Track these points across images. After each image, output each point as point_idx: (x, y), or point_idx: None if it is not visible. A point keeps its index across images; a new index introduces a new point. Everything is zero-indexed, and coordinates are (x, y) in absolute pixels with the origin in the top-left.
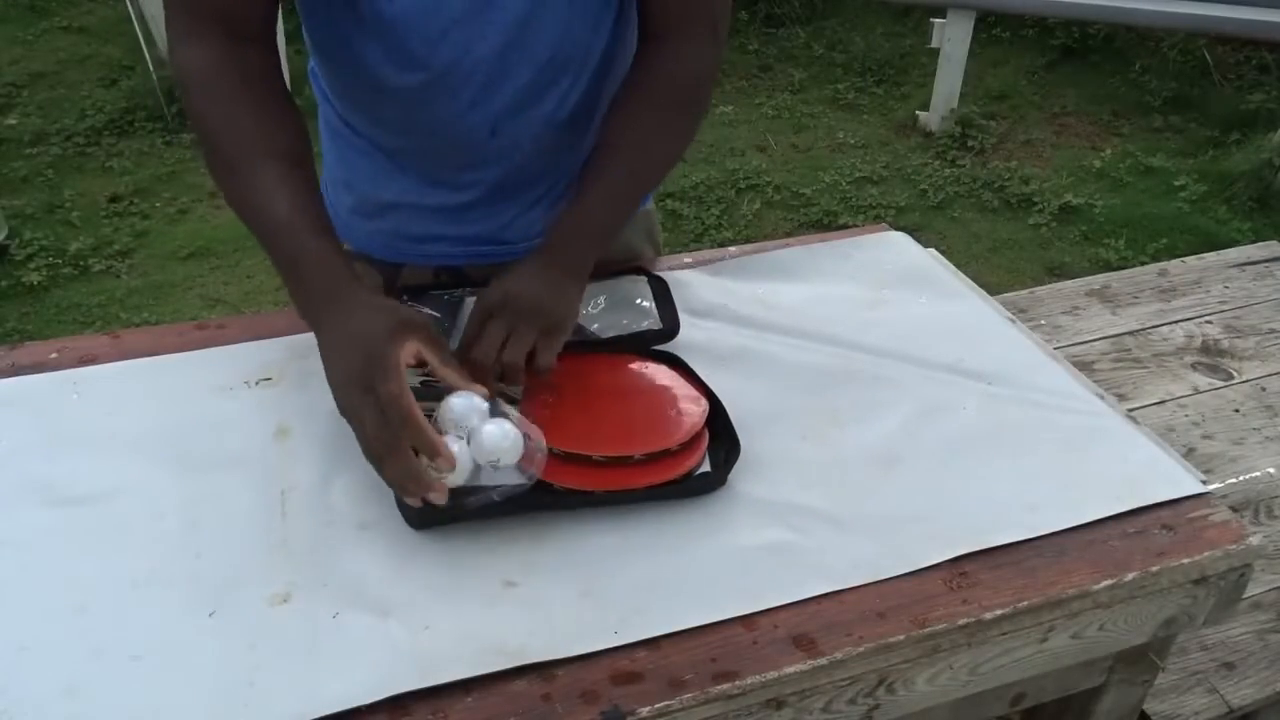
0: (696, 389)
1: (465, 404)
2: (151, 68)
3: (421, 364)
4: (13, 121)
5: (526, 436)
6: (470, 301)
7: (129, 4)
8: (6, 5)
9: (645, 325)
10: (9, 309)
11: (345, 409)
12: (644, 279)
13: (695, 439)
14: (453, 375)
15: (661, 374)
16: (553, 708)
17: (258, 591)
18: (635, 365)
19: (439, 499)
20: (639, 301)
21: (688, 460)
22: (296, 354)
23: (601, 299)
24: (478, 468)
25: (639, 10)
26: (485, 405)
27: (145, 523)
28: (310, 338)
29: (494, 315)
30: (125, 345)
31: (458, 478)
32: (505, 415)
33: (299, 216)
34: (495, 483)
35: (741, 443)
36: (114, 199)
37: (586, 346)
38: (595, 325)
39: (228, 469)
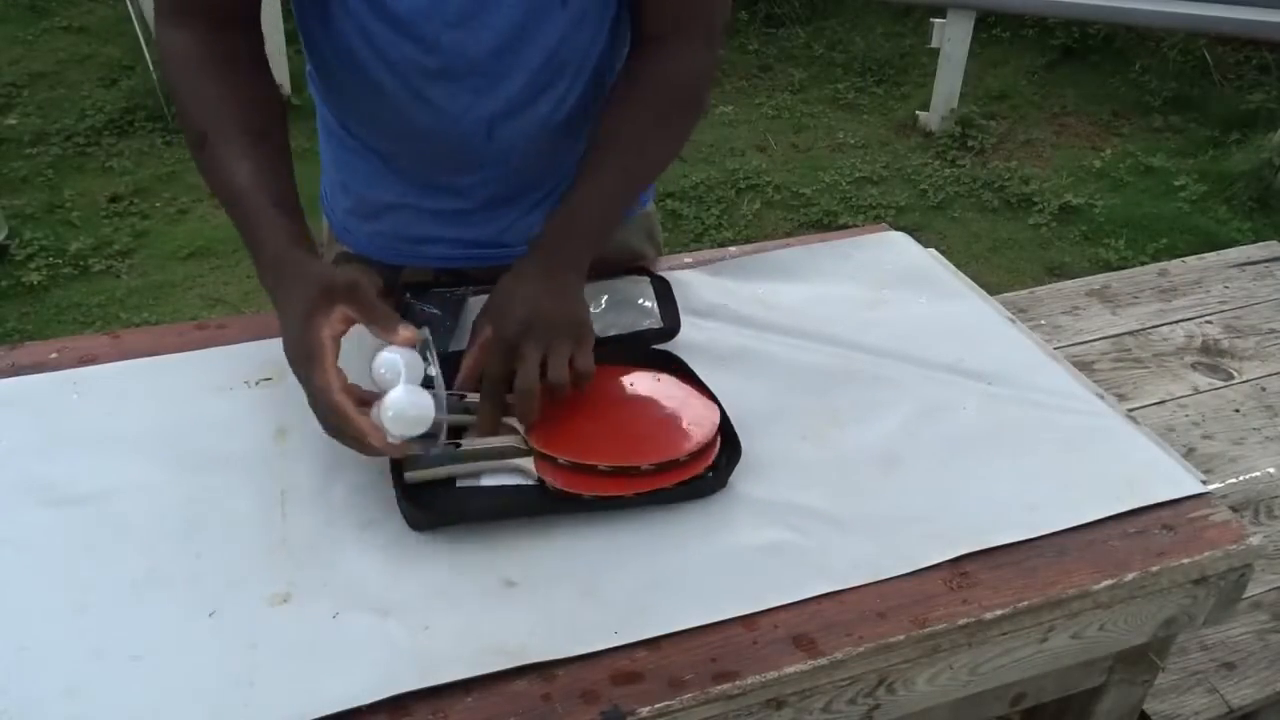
0: (705, 396)
1: (391, 359)
2: (151, 68)
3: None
4: (13, 121)
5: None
6: (474, 301)
7: (129, 4)
8: (6, 5)
9: (646, 324)
10: (9, 309)
11: (296, 376)
12: (646, 279)
13: (704, 449)
14: (378, 325)
15: (670, 382)
16: (553, 708)
17: (258, 591)
18: (644, 374)
19: (395, 453)
20: (641, 301)
21: (694, 469)
22: None
23: (604, 299)
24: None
25: (634, 11)
26: (420, 367)
27: (145, 523)
28: None
29: (522, 340)
30: (125, 345)
31: (415, 428)
32: (430, 377)
33: (257, 188)
34: (498, 483)
35: (742, 443)
36: (114, 199)
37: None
38: (596, 326)
39: (228, 469)
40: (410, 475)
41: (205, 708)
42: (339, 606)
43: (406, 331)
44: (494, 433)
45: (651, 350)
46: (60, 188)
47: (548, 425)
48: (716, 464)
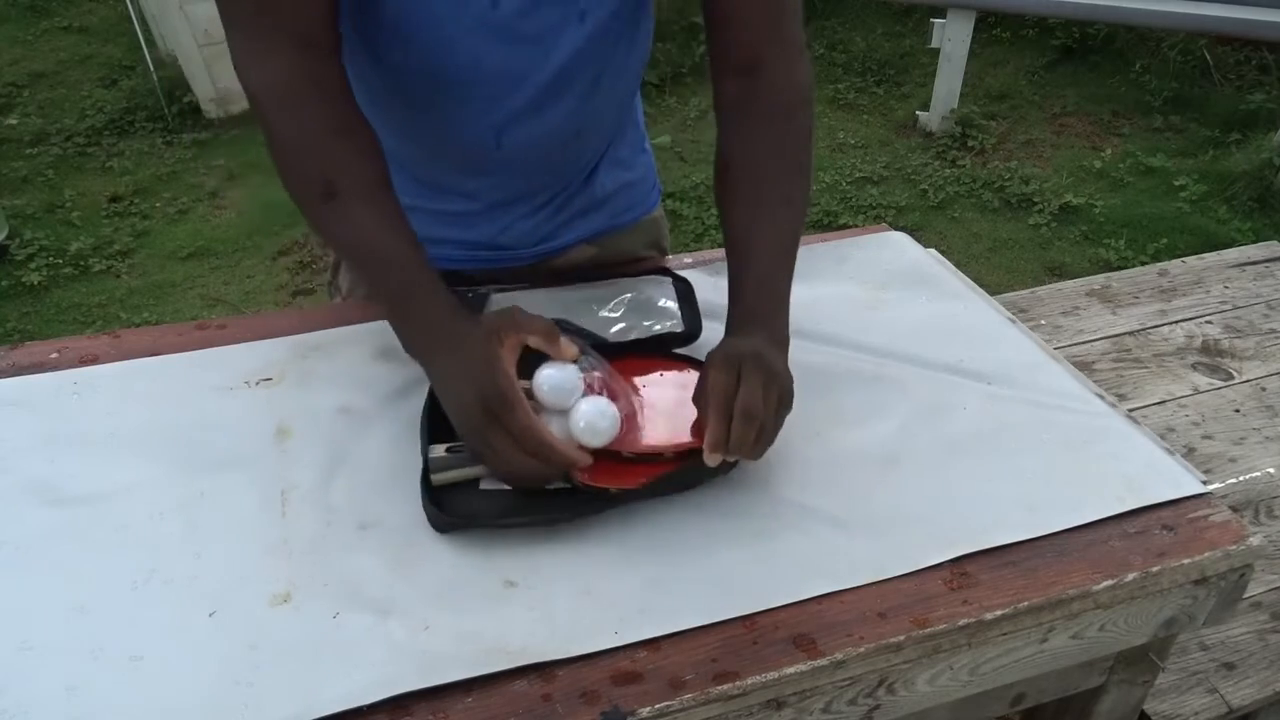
0: None
1: (561, 377)
2: (151, 68)
3: (530, 350)
4: (13, 121)
5: (621, 413)
6: (497, 298)
7: (129, 4)
8: (6, 5)
9: (668, 326)
10: (9, 309)
11: (469, 437)
12: (669, 279)
13: None
14: (556, 348)
15: (694, 374)
16: (553, 708)
17: (258, 591)
18: (672, 368)
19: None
20: (662, 303)
21: None
22: (296, 354)
23: (626, 298)
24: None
25: (718, 41)
26: (579, 376)
27: (145, 523)
28: (311, 337)
29: (743, 371)
30: (125, 345)
31: (605, 438)
32: (593, 387)
33: (400, 249)
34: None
35: None
36: (114, 199)
37: (609, 350)
38: (619, 327)
39: (228, 469)
40: (437, 477)
41: (205, 708)
42: (339, 606)
43: (570, 348)
44: (722, 451)
45: (673, 354)
46: (60, 188)
47: None
48: None
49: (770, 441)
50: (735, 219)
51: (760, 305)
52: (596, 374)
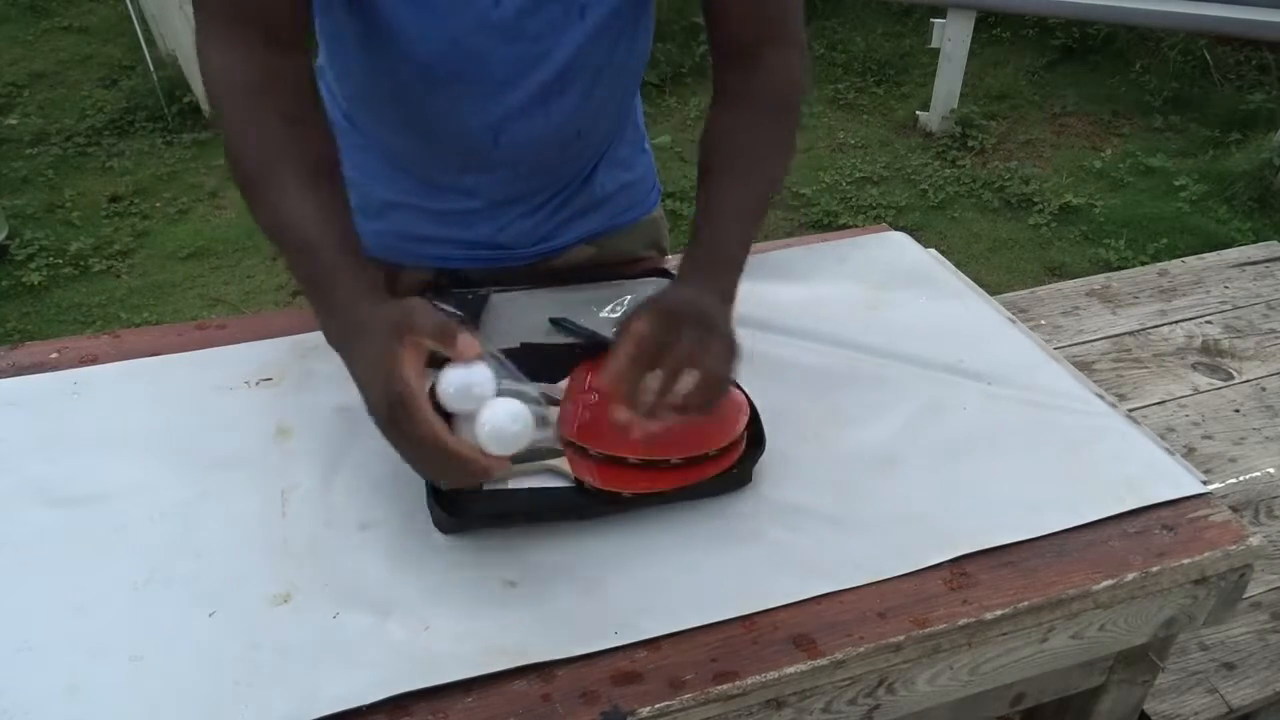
0: (735, 392)
1: (465, 378)
2: (151, 68)
3: (437, 358)
4: (13, 121)
5: (542, 417)
6: (496, 299)
7: (129, 4)
8: (6, 5)
9: None
10: (9, 309)
11: (382, 434)
12: (667, 282)
13: (734, 443)
14: (456, 350)
15: None
16: (553, 708)
17: (258, 591)
18: None
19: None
20: None
21: (724, 463)
22: (296, 354)
23: (626, 300)
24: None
25: (718, 27)
26: (490, 377)
27: (145, 523)
28: (311, 337)
29: (685, 323)
30: (126, 345)
31: (517, 444)
32: (514, 389)
33: (321, 234)
34: (525, 485)
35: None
36: (114, 199)
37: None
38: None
39: (228, 469)
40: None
41: (205, 708)
42: (339, 606)
43: (471, 346)
44: (628, 392)
45: None
46: (60, 188)
47: (583, 416)
48: (743, 458)
49: (720, 393)
50: (708, 184)
51: (712, 260)
52: (505, 381)
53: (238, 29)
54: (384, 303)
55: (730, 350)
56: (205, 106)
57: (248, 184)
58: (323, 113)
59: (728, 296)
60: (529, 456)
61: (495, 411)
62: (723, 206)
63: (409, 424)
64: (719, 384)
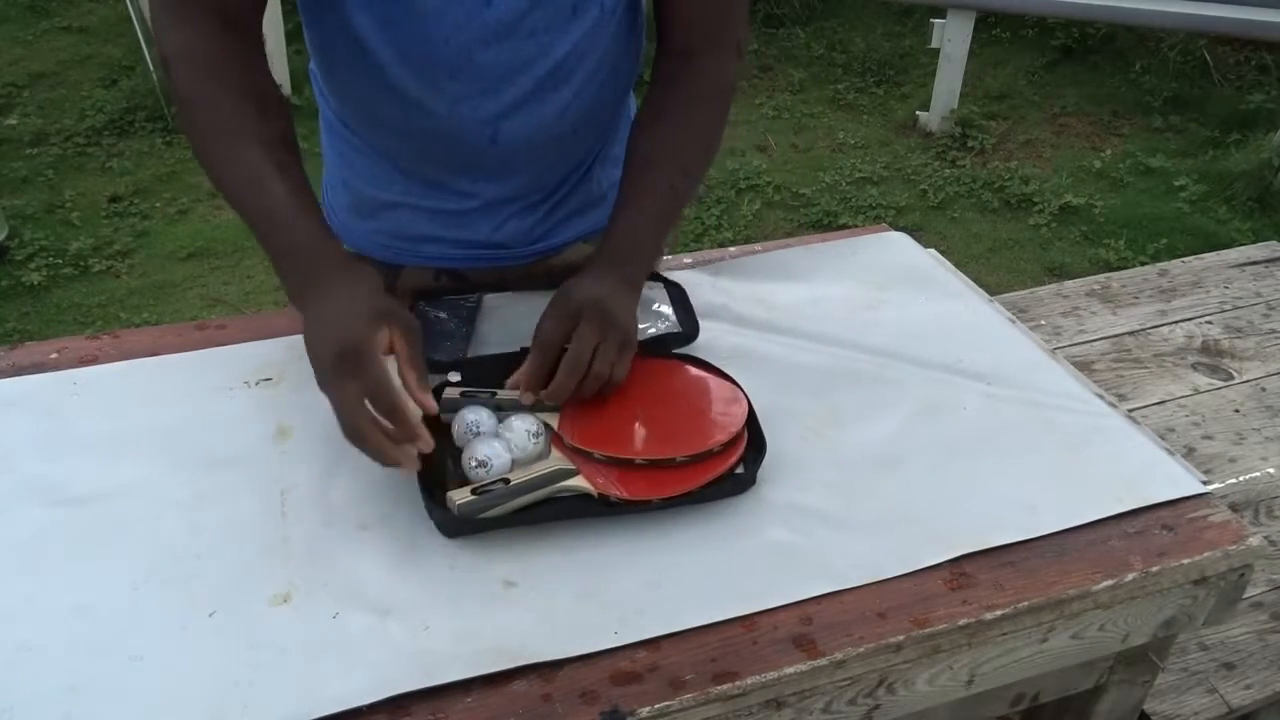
0: (732, 391)
1: (475, 416)
2: (151, 68)
3: (391, 352)
4: (13, 121)
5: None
6: (490, 301)
7: (129, 4)
8: (6, 5)
9: (665, 329)
10: (9, 309)
11: (325, 386)
12: (660, 284)
13: (735, 439)
14: (414, 376)
15: (698, 374)
16: (553, 708)
17: (258, 591)
18: (673, 367)
19: (412, 466)
20: (656, 306)
21: (729, 459)
22: (296, 354)
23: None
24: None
25: (662, 24)
26: (492, 418)
27: (145, 523)
28: None
29: (582, 319)
30: (125, 345)
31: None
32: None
33: (285, 201)
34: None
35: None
36: (114, 199)
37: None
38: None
39: (228, 469)
40: (465, 512)
41: (205, 708)
42: (339, 606)
43: (429, 400)
44: (535, 392)
45: (672, 354)
46: (60, 188)
47: (584, 420)
48: (745, 458)
49: (603, 384)
50: (627, 172)
51: (620, 249)
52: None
53: (195, 10)
54: (360, 280)
55: (624, 343)
56: (156, 75)
57: (207, 154)
58: (275, 85)
59: (633, 282)
60: (542, 483)
61: (482, 447)
62: (637, 194)
63: (368, 367)
64: (609, 380)
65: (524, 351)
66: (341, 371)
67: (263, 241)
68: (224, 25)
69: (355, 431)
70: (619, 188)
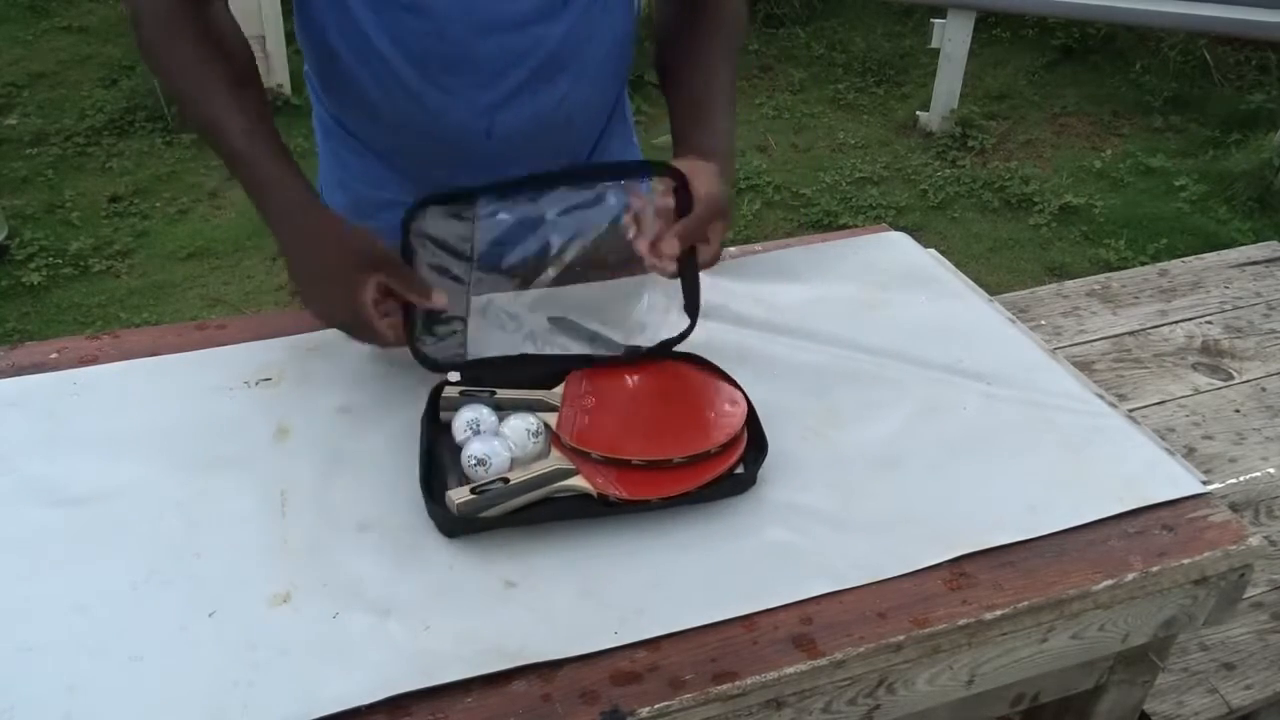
0: (733, 388)
1: (475, 414)
2: None
3: (388, 295)
4: (13, 121)
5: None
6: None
7: None
8: (6, 5)
9: (675, 331)
10: (9, 309)
11: (319, 316)
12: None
13: (734, 440)
14: (416, 296)
15: (698, 375)
16: (553, 708)
17: (258, 591)
18: (673, 367)
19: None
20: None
21: (726, 461)
22: (296, 354)
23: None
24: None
25: None
26: (492, 416)
27: (145, 523)
28: (311, 337)
29: (719, 215)
30: (125, 345)
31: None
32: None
33: (255, 141)
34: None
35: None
36: (114, 199)
37: (625, 359)
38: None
39: (228, 469)
40: (464, 511)
41: (205, 708)
42: (339, 606)
43: (440, 296)
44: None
45: (673, 354)
46: (60, 188)
47: (583, 421)
48: (746, 458)
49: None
50: (690, 79)
51: (722, 154)
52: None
53: None
54: (329, 224)
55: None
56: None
57: (178, 98)
58: (237, 32)
59: (732, 183)
60: (542, 482)
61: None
62: (712, 102)
63: (366, 320)
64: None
65: (524, 358)
66: (341, 314)
67: (232, 174)
68: None
69: (328, 319)
70: (677, 96)
